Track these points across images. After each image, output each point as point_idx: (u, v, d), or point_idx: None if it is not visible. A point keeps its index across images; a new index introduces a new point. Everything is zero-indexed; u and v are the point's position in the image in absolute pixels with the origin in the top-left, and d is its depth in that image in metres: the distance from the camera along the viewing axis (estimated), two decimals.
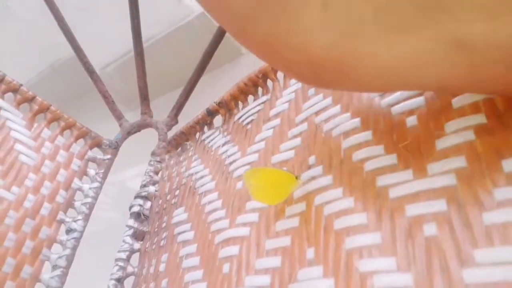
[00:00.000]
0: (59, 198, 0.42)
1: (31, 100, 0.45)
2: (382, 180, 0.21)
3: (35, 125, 0.45)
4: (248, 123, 0.35)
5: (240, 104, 0.38)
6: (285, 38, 0.20)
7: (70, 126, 0.47)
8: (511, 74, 0.17)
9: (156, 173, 0.44)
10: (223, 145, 0.37)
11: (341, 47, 0.19)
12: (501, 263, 0.16)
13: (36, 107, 0.45)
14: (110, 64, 1.44)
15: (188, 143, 0.43)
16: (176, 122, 0.48)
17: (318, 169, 0.25)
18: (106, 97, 0.51)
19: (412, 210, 0.20)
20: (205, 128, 0.42)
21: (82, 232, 0.42)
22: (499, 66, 0.17)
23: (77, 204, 0.43)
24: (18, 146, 0.42)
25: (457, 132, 0.20)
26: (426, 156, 0.21)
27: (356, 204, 0.22)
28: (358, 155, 0.23)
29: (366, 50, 0.19)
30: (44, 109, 0.45)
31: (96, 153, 0.49)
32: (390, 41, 0.18)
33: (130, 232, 0.39)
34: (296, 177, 0.25)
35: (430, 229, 0.18)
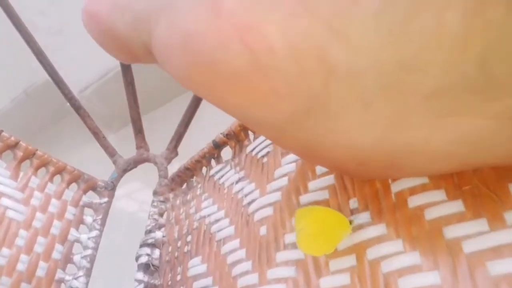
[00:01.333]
0: (55, 254, 0.39)
1: (14, 146, 0.42)
2: (451, 231, 0.19)
3: (21, 174, 0.41)
4: (263, 156, 0.33)
5: (251, 134, 0.36)
6: (325, 140, 0.19)
7: (60, 171, 0.43)
8: None
9: (161, 215, 0.42)
10: (237, 182, 0.34)
11: (389, 139, 0.18)
12: None
13: (20, 153, 0.42)
14: (89, 87, 1.40)
15: (194, 179, 0.40)
16: (176, 154, 0.46)
17: (364, 215, 0.23)
18: (96, 133, 0.48)
19: (497, 267, 0.17)
20: (212, 161, 0.39)
21: None
22: None
23: (76, 258, 0.40)
24: (4, 201, 0.39)
25: None
26: (500, 202, 0.18)
27: (423, 260, 0.19)
28: (414, 200, 0.21)
29: (418, 138, 0.17)
30: (29, 155, 0.42)
31: (91, 197, 0.45)
32: (444, 125, 0.17)
33: (141, 287, 0.35)
34: (350, 222, 0.23)
35: None
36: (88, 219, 0.44)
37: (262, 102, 0.17)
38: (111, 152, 0.48)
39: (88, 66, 1.35)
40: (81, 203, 0.44)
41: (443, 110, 0.16)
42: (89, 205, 0.44)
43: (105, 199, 0.45)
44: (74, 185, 0.45)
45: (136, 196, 1.14)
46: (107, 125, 1.43)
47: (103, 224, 0.44)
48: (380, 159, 0.19)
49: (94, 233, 0.43)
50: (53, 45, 1.16)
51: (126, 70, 0.45)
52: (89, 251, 0.41)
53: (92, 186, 0.45)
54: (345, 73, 0.15)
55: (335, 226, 0.23)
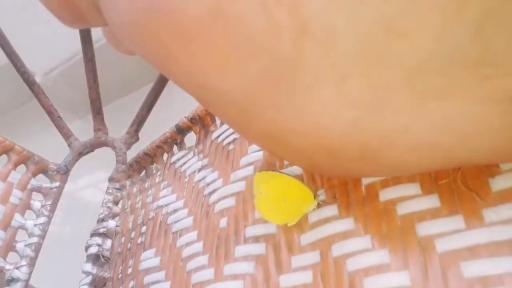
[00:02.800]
0: None
1: None
2: (424, 228, 0.18)
3: None
4: (229, 143, 0.31)
5: (218, 119, 0.34)
6: (294, 123, 0.17)
7: (6, 150, 0.40)
8: None
9: (116, 203, 0.39)
10: (200, 170, 0.32)
11: (365, 125, 0.16)
12: None
13: None
14: (55, 69, 1.35)
15: (154, 166, 0.38)
16: (137, 139, 0.43)
17: (331, 209, 0.21)
18: (51, 112, 0.45)
19: (471, 269, 0.16)
20: (175, 148, 0.37)
21: (27, 281, 0.36)
22: None
23: (19, 246, 0.38)
24: None
25: None
26: (479, 198, 0.17)
27: (392, 258, 0.18)
28: (386, 194, 0.20)
29: (396, 125, 0.16)
30: None
31: (42, 180, 0.42)
32: (426, 109, 0.15)
33: (88, 279, 0.33)
34: (315, 196, 0.21)
35: None
36: (36, 204, 0.41)
37: (222, 65, 0.15)
38: (66, 134, 0.45)
39: (54, 48, 1.30)
40: (29, 186, 0.41)
41: (427, 90, 0.14)
42: (38, 189, 0.41)
43: (57, 184, 0.42)
44: (22, 167, 0.42)
45: (102, 186, 1.11)
46: (73, 110, 1.39)
47: (52, 210, 0.41)
48: (353, 148, 0.17)
49: (42, 219, 0.40)
50: (17, 22, 1.12)
51: (87, 45, 0.43)
52: (34, 239, 0.39)
53: (42, 169, 0.43)
54: (321, 31, 0.14)
55: (298, 196, 0.22)
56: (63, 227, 1.13)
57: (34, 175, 0.42)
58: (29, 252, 0.38)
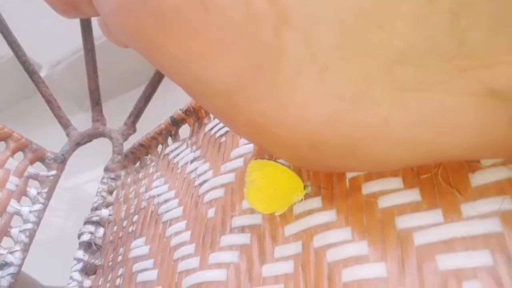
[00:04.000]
0: None
1: None
2: (404, 221, 0.18)
3: None
4: (221, 135, 0.31)
5: None
6: (278, 114, 0.17)
7: (5, 137, 0.41)
8: None
9: (110, 192, 0.39)
10: (192, 161, 0.32)
11: (346, 117, 0.16)
12: None
13: None
14: (61, 62, 1.36)
15: (148, 157, 0.38)
16: (134, 131, 0.43)
17: (316, 201, 0.21)
18: (50, 101, 0.45)
19: (446, 262, 0.16)
20: (169, 140, 0.37)
21: (20, 266, 0.36)
22: None
23: (14, 231, 0.38)
24: None
25: (497, 166, 0.17)
26: (458, 193, 0.17)
27: (371, 250, 0.18)
28: (369, 187, 0.20)
29: (376, 117, 0.16)
30: None
31: (39, 168, 0.43)
32: (407, 101, 0.15)
33: (79, 266, 0.33)
34: (305, 186, 0.22)
35: None
36: (32, 191, 0.41)
37: (205, 54, 0.15)
38: (65, 124, 0.46)
39: (60, 41, 1.30)
40: (25, 173, 0.41)
41: (406, 82, 0.14)
42: (35, 177, 0.42)
43: (53, 172, 0.43)
44: (20, 154, 0.42)
45: None
46: (78, 103, 1.39)
47: (48, 198, 0.41)
48: (335, 141, 0.17)
49: (37, 206, 0.40)
50: (23, 15, 1.12)
51: (87, 36, 0.43)
52: (29, 225, 0.39)
53: (40, 157, 0.43)
54: (300, 22, 0.14)
55: (288, 186, 0.22)
56: (67, 221, 1.14)
57: (32, 162, 0.42)
58: (23, 238, 0.38)
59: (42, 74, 1.32)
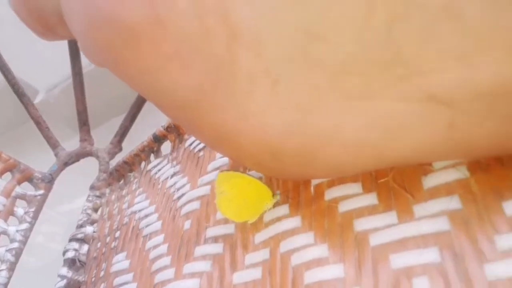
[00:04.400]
0: None
1: None
2: (361, 224, 0.18)
3: None
4: (200, 150, 0.32)
5: None
6: (238, 124, 0.18)
7: None
8: (505, 127, 0.15)
9: (95, 210, 0.40)
10: (172, 176, 0.33)
11: (300, 126, 0.17)
12: None
13: None
14: (57, 86, 1.37)
15: (132, 174, 0.39)
16: (120, 149, 0.44)
17: (283, 208, 0.22)
18: (39, 122, 0.46)
19: (398, 260, 0.17)
20: (152, 156, 0.38)
21: (6, 285, 0.36)
22: (489, 120, 0.14)
23: (0, 250, 0.38)
24: None
25: (447, 168, 0.18)
26: (411, 196, 0.18)
27: (330, 253, 0.18)
28: (331, 193, 0.20)
29: (328, 125, 0.17)
30: None
31: (27, 188, 0.43)
32: (354, 109, 0.16)
33: (63, 283, 0.34)
34: (273, 195, 0.22)
35: (421, 285, 0.16)
36: (19, 211, 0.42)
37: (166, 67, 0.16)
38: (53, 144, 0.46)
39: (56, 65, 1.32)
40: (13, 193, 0.42)
41: (351, 91, 0.15)
42: (22, 197, 0.42)
43: (41, 192, 0.43)
44: (8, 175, 0.43)
45: None
46: (73, 126, 1.39)
47: (35, 217, 0.42)
48: (293, 149, 0.18)
49: (24, 225, 0.41)
50: (19, 40, 1.14)
51: (75, 60, 0.44)
52: (15, 244, 0.39)
53: (27, 177, 0.44)
54: (250, 38, 0.15)
55: (257, 195, 0.22)
56: (64, 245, 1.13)
57: (19, 182, 0.43)
58: (9, 257, 0.38)
59: (39, 98, 1.33)
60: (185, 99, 0.18)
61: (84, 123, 0.46)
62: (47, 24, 0.20)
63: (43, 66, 1.30)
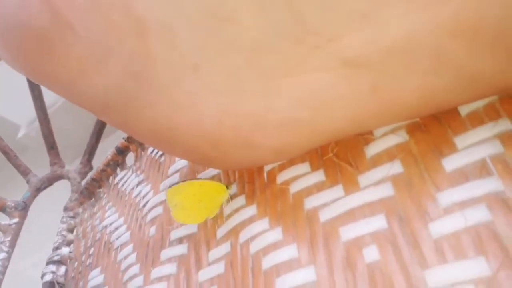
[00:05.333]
0: None
1: None
2: (310, 202, 0.18)
3: None
4: (161, 155, 0.32)
5: None
6: (171, 119, 0.18)
7: None
8: (425, 82, 0.14)
9: (70, 231, 0.39)
10: (137, 185, 0.32)
11: (230, 110, 0.17)
12: (457, 283, 0.13)
13: None
14: (36, 120, 1.35)
15: (101, 190, 0.38)
16: (91, 168, 0.43)
17: (240, 199, 0.22)
18: (7, 152, 0.45)
19: (348, 232, 0.16)
20: (118, 169, 0.37)
21: None
22: (408, 76, 0.14)
23: None
24: None
25: (387, 134, 0.17)
26: (355, 167, 0.18)
27: (284, 235, 0.18)
28: (282, 176, 0.20)
29: (258, 106, 0.16)
30: None
31: (2, 218, 0.42)
32: (277, 88, 0.16)
33: None
34: (227, 186, 0.22)
35: (371, 254, 0.15)
36: None
37: (84, 70, 0.16)
38: (24, 171, 0.45)
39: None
40: None
41: (271, 70, 0.15)
42: None
43: (15, 220, 0.42)
44: None
45: None
46: (63, 154, 1.38)
47: (12, 246, 0.41)
48: (229, 135, 0.18)
49: (2, 255, 0.40)
50: None
51: (33, 84, 0.43)
52: None
53: (1, 207, 0.43)
54: (159, 27, 0.14)
55: (212, 193, 0.22)
56: None
57: None
58: None
59: (21, 133, 1.32)
60: (108, 101, 0.17)
61: (51, 147, 0.45)
62: None
63: (21, 101, 1.28)
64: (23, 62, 0.16)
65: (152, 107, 0.17)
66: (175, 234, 0.25)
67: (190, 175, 0.27)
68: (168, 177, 0.28)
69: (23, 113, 1.37)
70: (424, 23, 0.12)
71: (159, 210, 0.27)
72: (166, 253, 0.24)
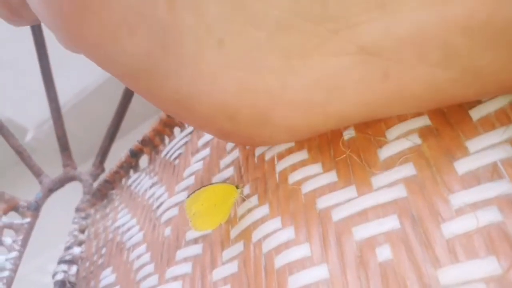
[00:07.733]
0: None
1: None
2: (323, 202, 0.19)
3: None
4: (175, 158, 0.32)
5: (166, 139, 0.35)
6: (191, 88, 0.18)
7: None
8: (436, 73, 0.15)
9: (82, 231, 0.40)
10: (151, 187, 0.33)
11: (249, 85, 0.17)
12: (469, 281, 0.13)
13: None
14: (46, 122, 1.37)
15: (114, 191, 0.39)
16: (103, 170, 0.44)
17: (253, 199, 0.22)
18: (20, 152, 0.46)
19: (360, 232, 0.17)
20: (131, 171, 0.38)
21: None
22: (419, 66, 0.15)
23: None
24: None
25: (400, 138, 0.18)
26: (369, 169, 0.18)
27: (297, 234, 0.19)
28: (294, 176, 0.21)
29: (275, 84, 0.17)
30: None
31: (14, 217, 0.43)
32: (295, 68, 0.16)
33: None
34: (237, 187, 0.23)
35: (383, 253, 0.16)
36: (8, 240, 0.41)
37: (115, 35, 0.16)
38: (36, 172, 0.46)
39: (43, 101, 1.32)
40: (0, 224, 0.42)
41: (291, 49, 0.16)
42: (9, 226, 0.42)
43: (28, 220, 0.43)
44: None
45: None
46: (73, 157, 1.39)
47: (24, 245, 0.41)
48: (246, 110, 0.18)
49: (13, 254, 0.40)
50: (6, 77, 1.13)
51: (50, 86, 0.44)
52: (6, 273, 0.39)
53: (13, 206, 0.43)
54: None
55: (224, 195, 0.22)
56: None
57: (5, 212, 0.43)
58: (0, 286, 0.38)
59: (29, 137, 1.32)
60: (136, 67, 0.18)
61: (65, 148, 0.46)
62: (10, 7, 0.20)
63: (30, 103, 1.30)
64: (60, 22, 0.17)
65: (175, 77, 0.18)
66: (190, 235, 0.25)
67: (205, 179, 0.27)
68: (183, 179, 0.29)
69: (31, 116, 1.38)
70: (437, 17, 0.13)
71: (174, 211, 0.28)
72: (182, 253, 0.25)
